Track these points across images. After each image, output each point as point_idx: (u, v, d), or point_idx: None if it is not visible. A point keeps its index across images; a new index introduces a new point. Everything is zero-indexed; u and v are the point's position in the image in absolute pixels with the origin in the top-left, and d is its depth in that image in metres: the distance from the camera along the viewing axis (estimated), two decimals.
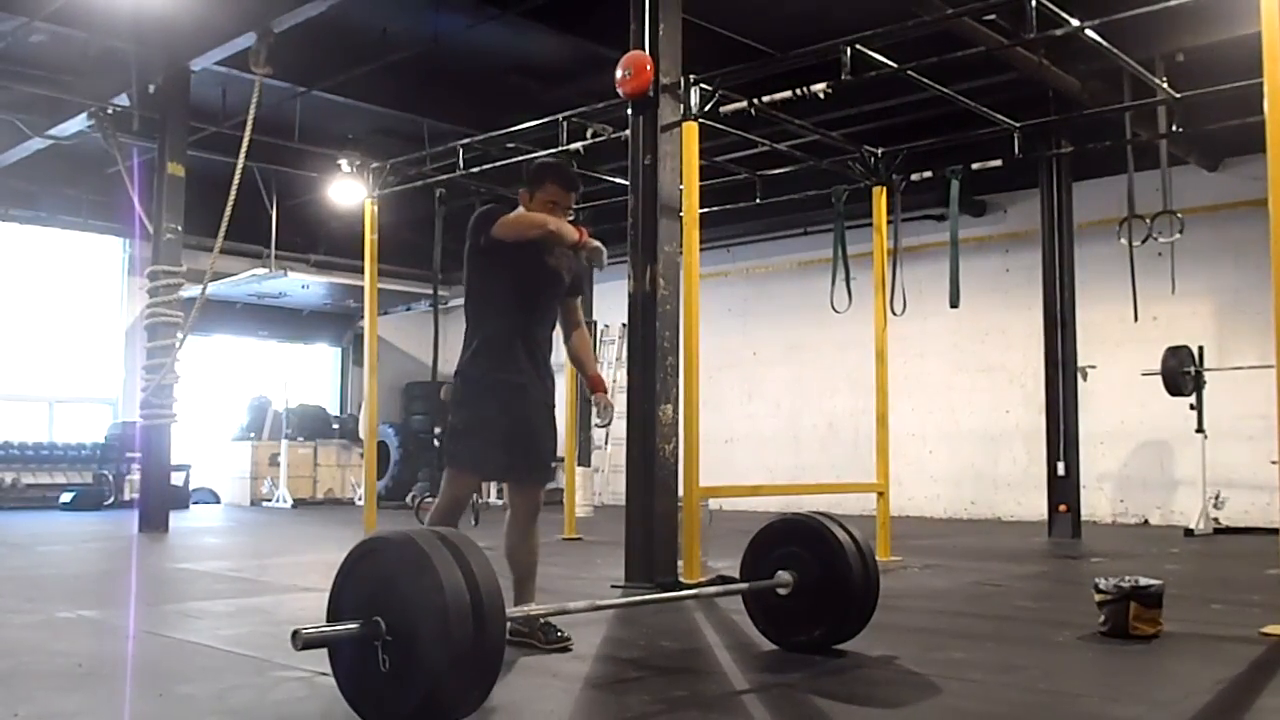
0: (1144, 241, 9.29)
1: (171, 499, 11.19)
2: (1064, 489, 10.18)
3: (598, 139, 8.55)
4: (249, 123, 9.05)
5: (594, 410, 4.53)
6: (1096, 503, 12.04)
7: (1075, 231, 10.45)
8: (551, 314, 4.46)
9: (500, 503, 7.23)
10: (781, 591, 4.16)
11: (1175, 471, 11.71)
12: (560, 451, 13.11)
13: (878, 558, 4.80)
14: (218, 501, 16.20)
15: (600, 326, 15.89)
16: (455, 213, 13.83)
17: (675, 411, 6.46)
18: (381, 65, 10.48)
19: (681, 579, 6.20)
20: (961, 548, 9.19)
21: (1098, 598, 4.56)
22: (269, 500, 15.78)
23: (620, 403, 17.30)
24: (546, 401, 4.38)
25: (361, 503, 12.68)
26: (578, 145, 8.53)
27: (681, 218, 6.64)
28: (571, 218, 4.38)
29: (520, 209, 4.27)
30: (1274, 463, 5.08)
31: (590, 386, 4.56)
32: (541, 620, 4.07)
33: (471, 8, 9.78)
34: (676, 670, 4.00)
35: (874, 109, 11.12)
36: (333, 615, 2.96)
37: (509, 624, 3.22)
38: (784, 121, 7.92)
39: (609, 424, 4.67)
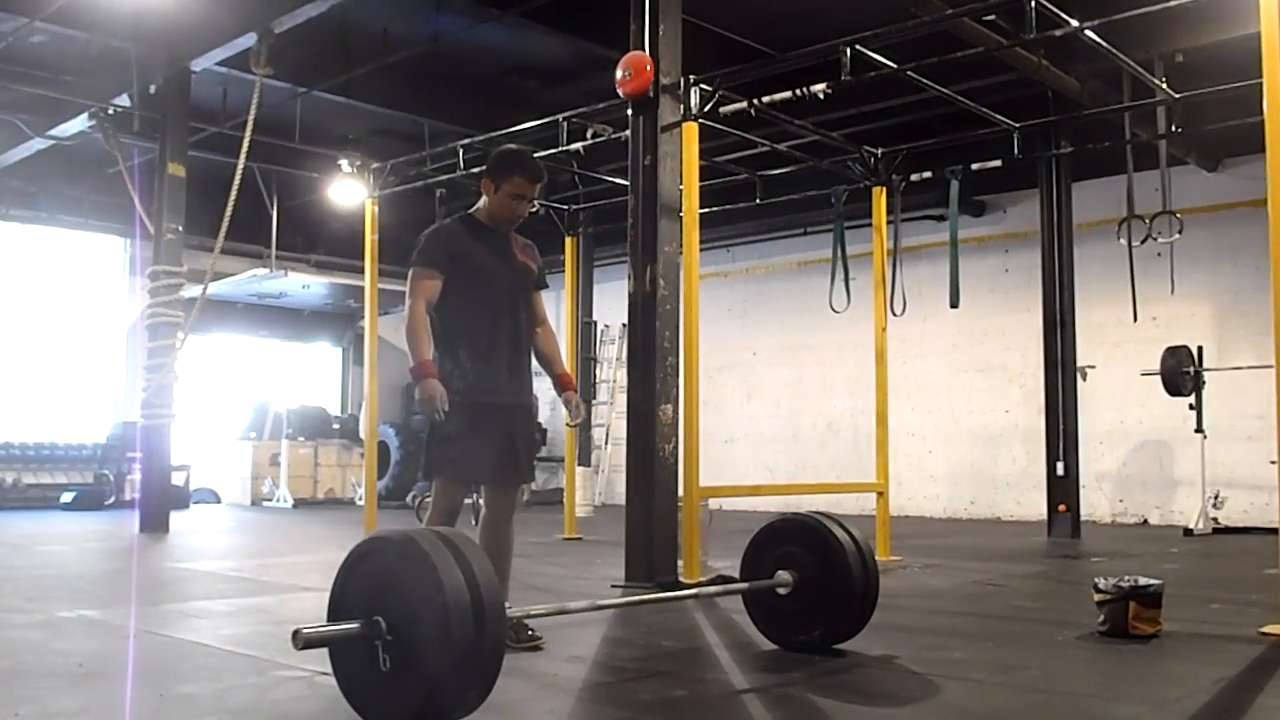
0: (1143, 242, 9.30)
1: (172, 499, 11.18)
2: (1063, 489, 10.19)
3: (598, 139, 8.55)
4: (249, 123, 9.06)
5: (566, 410, 4.39)
6: (1096, 502, 12.05)
7: (1075, 232, 10.46)
8: (522, 306, 4.29)
9: None
10: (781, 591, 4.17)
11: (1174, 471, 11.71)
12: (560, 452, 13.16)
13: (877, 557, 4.81)
14: (218, 501, 16.20)
15: (600, 326, 15.92)
16: (455, 213, 13.87)
17: (675, 411, 6.47)
18: (382, 65, 10.48)
19: (681, 579, 6.20)
20: (961, 547, 9.19)
21: (1097, 597, 4.57)
22: (269, 500, 15.78)
23: (620, 402, 17.26)
24: (525, 404, 4.29)
25: (362, 502, 12.69)
26: (578, 145, 8.53)
27: (681, 218, 6.65)
28: (534, 209, 4.30)
29: (418, 287, 4.11)
30: (1273, 463, 5.08)
31: (559, 385, 4.40)
32: (515, 619, 3.89)
33: (472, 8, 9.78)
34: (676, 670, 4.00)
35: (874, 109, 11.13)
36: (333, 615, 2.96)
37: None
38: (784, 122, 7.92)
39: (579, 424, 4.56)
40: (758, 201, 9.78)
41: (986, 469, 13.18)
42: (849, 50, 6.54)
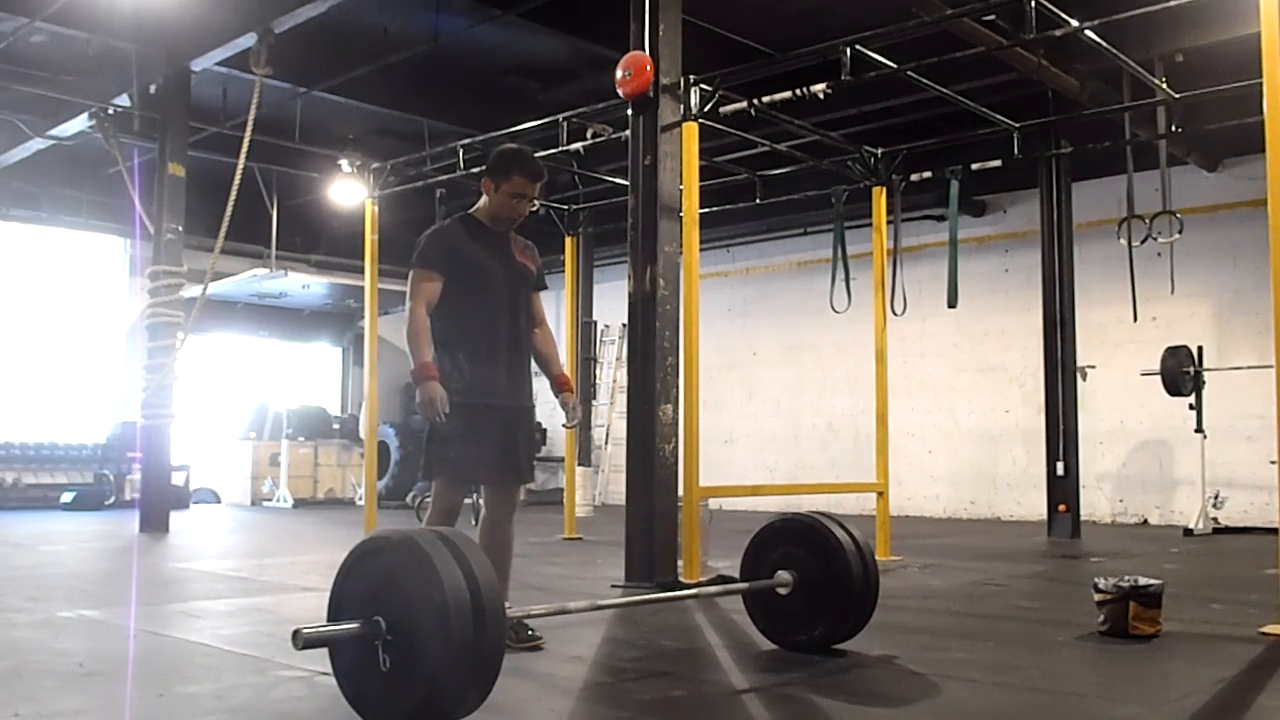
0: (1143, 242, 9.30)
1: (172, 499, 11.18)
2: (1063, 489, 10.19)
3: (598, 139, 8.55)
4: (249, 123, 9.06)
5: (564, 412, 4.39)
6: (1096, 502, 12.05)
7: (1075, 231, 10.46)
8: (522, 307, 4.28)
9: None
10: (781, 591, 4.17)
11: (1174, 471, 11.72)
12: (560, 452, 13.16)
13: (877, 557, 4.81)
14: (218, 501, 16.20)
15: (600, 326, 15.92)
16: (455, 213, 13.89)
17: (675, 411, 6.47)
18: (382, 65, 10.48)
19: (681, 579, 6.20)
20: (961, 547, 9.19)
21: (1097, 597, 4.57)
22: (270, 500, 15.78)
23: (620, 402, 17.25)
24: (524, 405, 4.28)
25: (362, 502, 12.69)
26: (578, 145, 8.53)
27: (681, 218, 6.65)
28: (535, 207, 4.30)
29: (418, 289, 4.10)
30: (1273, 462, 5.09)
31: (556, 386, 4.39)
32: (515, 619, 3.87)
33: (472, 8, 9.78)
34: (676, 670, 4.00)
35: (874, 109, 11.13)
36: (333, 615, 2.96)
37: None
38: (784, 122, 7.93)
39: (577, 425, 4.58)
40: (758, 201, 9.78)
41: (986, 469, 13.18)
42: (849, 50, 6.55)
